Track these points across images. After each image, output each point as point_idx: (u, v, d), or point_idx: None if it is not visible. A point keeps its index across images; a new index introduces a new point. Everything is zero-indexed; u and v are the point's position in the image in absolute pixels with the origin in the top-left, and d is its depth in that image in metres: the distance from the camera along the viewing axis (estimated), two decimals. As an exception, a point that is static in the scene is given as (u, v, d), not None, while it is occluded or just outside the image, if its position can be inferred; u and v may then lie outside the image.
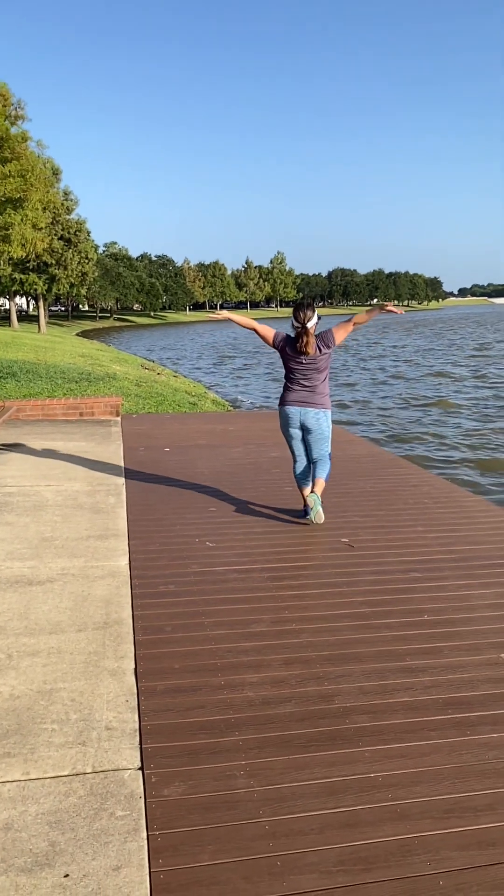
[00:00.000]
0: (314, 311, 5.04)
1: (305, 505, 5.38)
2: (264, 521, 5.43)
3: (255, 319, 5.47)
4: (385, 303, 5.23)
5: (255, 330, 5.31)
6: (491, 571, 4.41)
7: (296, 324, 5.06)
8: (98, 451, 7.97)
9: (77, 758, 2.53)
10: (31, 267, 42.44)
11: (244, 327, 5.37)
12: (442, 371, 30.14)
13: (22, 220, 25.98)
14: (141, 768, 2.48)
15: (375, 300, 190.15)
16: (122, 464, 7.36)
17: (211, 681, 3.07)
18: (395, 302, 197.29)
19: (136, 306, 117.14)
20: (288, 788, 2.38)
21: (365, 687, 3.04)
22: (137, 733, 2.68)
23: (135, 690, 2.99)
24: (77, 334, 59.34)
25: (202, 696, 2.95)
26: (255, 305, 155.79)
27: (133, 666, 3.19)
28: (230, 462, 7.56)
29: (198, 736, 2.67)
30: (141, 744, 2.61)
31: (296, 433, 5.25)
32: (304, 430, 5.21)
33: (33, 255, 36.77)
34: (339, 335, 5.08)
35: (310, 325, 5.00)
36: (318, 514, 5.16)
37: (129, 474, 6.91)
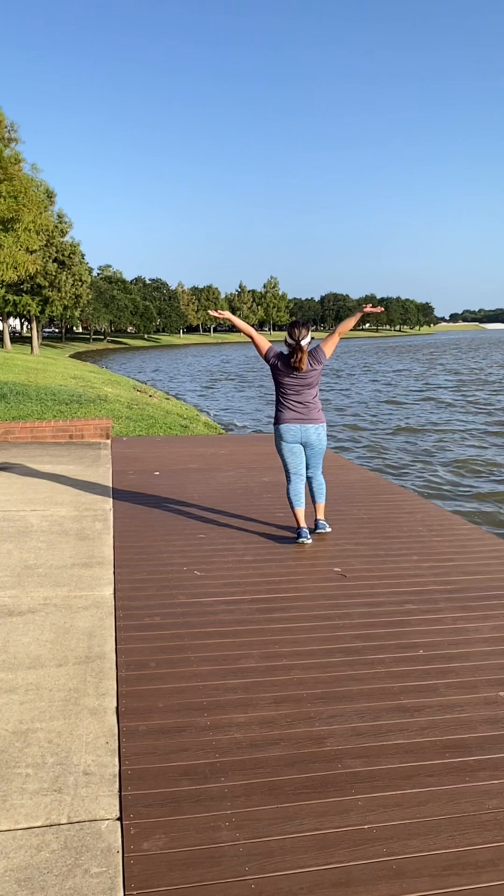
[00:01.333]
0: (308, 330, 5.21)
1: (299, 526, 5.38)
2: (255, 548, 5.30)
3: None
4: (364, 305, 5.42)
5: (251, 337, 5.46)
6: (487, 604, 4.29)
7: (290, 341, 5.18)
8: (86, 475, 7.83)
9: (52, 806, 2.37)
10: (24, 289, 42.50)
11: (243, 331, 5.52)
12: (434, 396, 30.20)
13: (14, 241, 26.02)
14: (120, 818, 2.32)
15: (367, 325, 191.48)
16: (110, 488, 7.23)
17: (196, 721, 2.92)
18: (388, 326, 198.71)
19: (129, 329, 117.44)
20: (276, 842, 2.23)
21: (358, 728, 2.89)
22: (117, 779, 2.53)
23: (116, 731, 2.84)
24: (70, 356, 59.33)
25: (187, 737, 2.80)
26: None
27: (115, 704, 3.04)
28: (221, 487, 7.43)
29: (181, 782, 2.52)
30: (120, 791, 2.46)
31: (297, 448, 5.34)
32: (305, 445, 5.32)
33: (26, 277, 36.83)
34: (329, 349, 5.28)
35: (304, 342, 5.14)
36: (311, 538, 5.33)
37: (118, 499, 6.77)
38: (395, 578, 4.70)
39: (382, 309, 5.38)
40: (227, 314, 5.51)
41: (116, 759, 2.64)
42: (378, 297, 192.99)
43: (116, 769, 2.58)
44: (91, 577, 4.59)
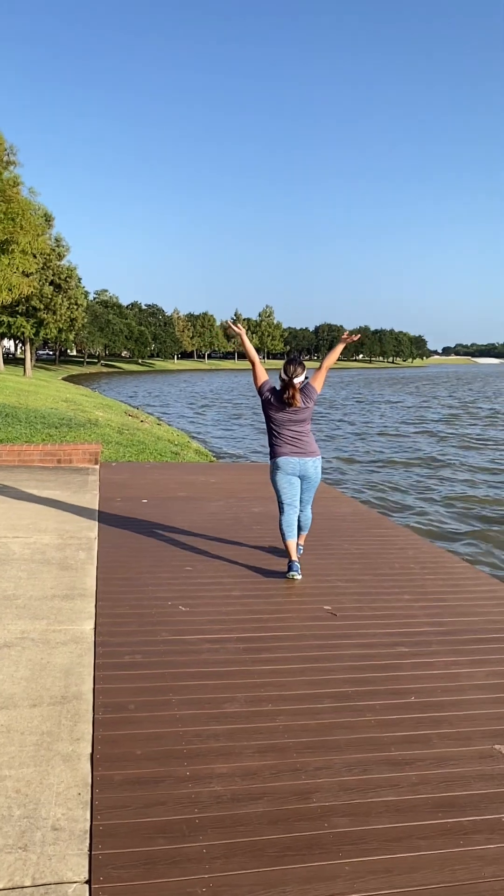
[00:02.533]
0: (304, 369, 5.19)
1: (290, 560, 5.27)
2: (243, 583, 5.14)
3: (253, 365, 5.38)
4: (343, 335, 5.46)
5: (253, 364, 5.43)
6: (480, 647, 4.15)
7: (283, 377, 5.19)
8: (73, 501, 7.67)
9: (16, 866, 2.20)
10: (19, 311, 42.55)
11: (248, 354, 5.42)
12: (428, 429, 30.23)
13: (9, 264, 26.05)
14: (88, 881, 2.15)
15: (360, 356, 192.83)
16: (96, 515, 7.07)
17: (175, 770, 2.76)
18: (381, 358, 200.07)
19: (124, 353, 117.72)
20: (256, 912, 2.07)
21: (346, 783, 2.73)
22: (88, 836, 2.36)
23: (89, 781, 2.67)
24: (63, 379, 59.26)
25: (165, 789, 2.64)
26: (242, 356, 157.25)
27: (90, 750, 2.87)
28: (209, 517, 7.28)
29: (156, 840, 2.35)
30: (91, 849, 2.29)
31: (295, 480, 5.30)
32: (302, 478, 5.31)
33: (21, 299, 36.86)
34: (318, 384, 5.35)
35: (296, 381, 5.15)
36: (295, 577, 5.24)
37: (103, 527, 6.61)
38: (386, 618, 4.55)
39: (359, 336, 5.45)
40: (242, 331, 5.52)
41: (88, 813, 2.47)
42: (371, 328, 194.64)
43: (87, 824, 2.41)
44: (71, 610, 4.42)
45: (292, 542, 5.29)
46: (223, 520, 7.17)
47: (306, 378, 5.23)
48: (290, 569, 5.24)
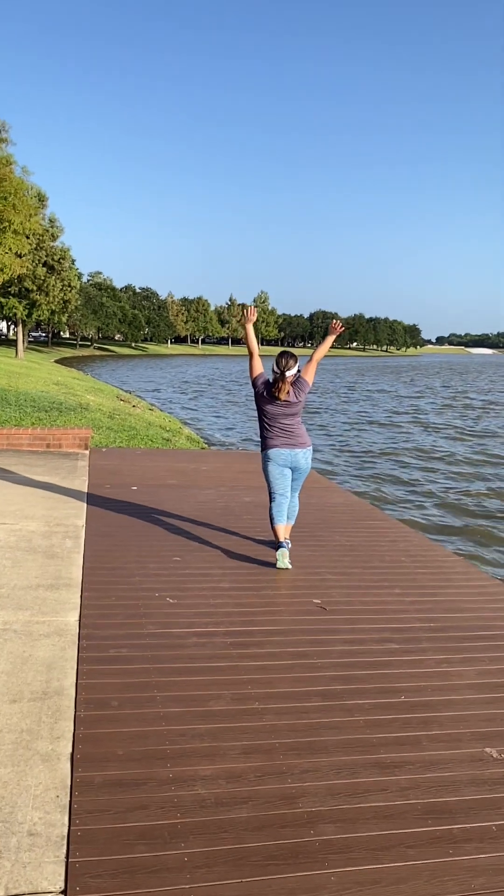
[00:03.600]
0: (296, 362, 5.20)
1: (278, 540, 5.32)
2: (232, 574, 5.06)
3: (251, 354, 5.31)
4: (332, 325, 5.43)
5: (252, 354, 5.34)
6: (471, 645, 4.08)
7: (276, 370, 5.18)
8: (61, 487, 7.56)
9: (-11, 873, 2.11)
10: (11, 292, 42.07)
11: (249, 343, 5.35)
12: (424, 420, 30.18)
13: (1, 243, 25.67)
14: (64, 891, 2.07)
15: (355, 344, 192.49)
16: (84, 502, 6.96)
17: (158, 772, 2.67)
18: (375, 347, 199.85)
19: (117, 336, 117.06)
20: (238, 925, 1.99)
21: (333, 787, 2.66)
22: (65, 842, 2.27)
23: (68, 783, 2.58)
24: (55, 361, 58.85)
25: (146, 791, 2.56)
26: (236, 342, 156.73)
27: (70, 750, 2.78)
28: (200, 506, 7.19)
29: (137, 847, 2.27)
30: (68, 856, 2.20)
31: (286, 472, 5.32)
32: (293, 469, 5.32)
33: (15, 279, 36.43)
34: (310, 377, 5.29)
35: (288, 374, 5.14)
36: (283, 564, 5.23)
37: (91, 515, 6.50)
38: (376, 613, 4.48)
39: (343, 328, 5.50)
40: (253, 319, 5.35)
41: (66, 817, 2.39)
42: (366, 316, 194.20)
43: (65, 829, 2.33)
44: (56, 601, 4.33)
45: (281, 527, 5.32)
46: (213, 509, 7.08)
47: (298, 370, 5.22)
48: (278, 547, 5.27)
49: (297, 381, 5.20)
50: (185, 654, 3.70)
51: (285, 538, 5.42)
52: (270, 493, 5.35)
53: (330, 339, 5.39)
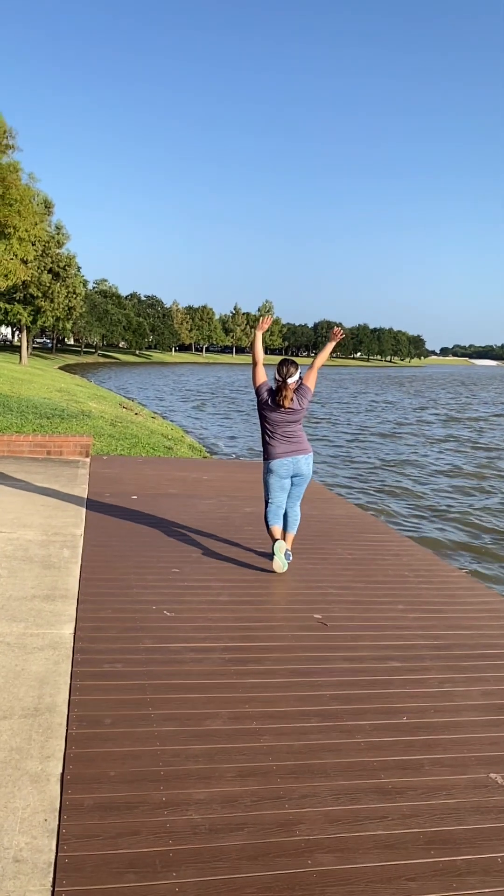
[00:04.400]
0: (297, 368, 5.23)
1: (274, 539, 5.38)
2: (231, 587, 4.97)
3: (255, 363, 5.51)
4: (333, 332, 5.51)
5: (256, 363, 5.38)
6: (476, 664, 3.98)
7: (277, 377, 5.20)
8: (60, 495, 7.48)
9: (-29, 903, 2.02)
10: (17, 298, 42.18)
11: (255, 352, 5.38)
12: (429, 433, 30.09)
13: (6, 250, 25.68)
14: (49, 923, 1.98)
15: (358, 353, 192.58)
16: (84, 511, 6.88)
17: (151, 795, 2.58)
18: (379, 357, 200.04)
19: (121, 343, 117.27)
20: None
21: (332, 813, 2.56)
22: (52, 869, 2.18)
23: (57, 805, 2.49)
24: (59, 368, 58.92)
25: (138, 816, 2.46)
26: (240, 351, 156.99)
27: (60, 770, 2.69)
28: (200, 516, 7.10)
29: (126, 876, 2.17)
30: (54, 885, 2.11)
31: (286, 484, 5.34)
32: (294, 475, 5.32)
33: (20, 285, 36.50)
34: (312, 383, 5.34)
35: (290, 381, 5.16)
36: (279, 565, 5.28)
37: (90, 524, 6.42)
38: (378, 630, 4.38)
39: (343, 334, 5.57)
40: (265, 327, 5.40)
41: (54, 843, 2.30)
42: (371, 326, 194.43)
43: (52, 856, 2.24)
44: (51, 613, 4.24)
45: (277, 528, 5.38)
46: (214, 519, 6.99)
47: (300, 377, 5.25)
48: (275, 542, 5.30)
49: (300, 388, 5.22)
50: (182, 671, 3.61)
51: (287, 549, 5.44)
52: (266, 500, 5.43)
53: (330, 346, 5.48)
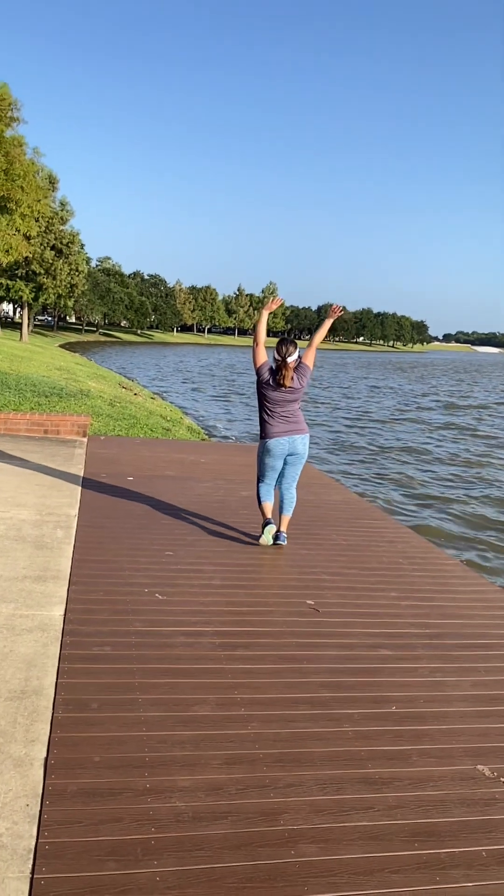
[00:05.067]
0: (296, 347, 5.28)
1: (265, 518, 5.50)
2: (224, 571, 4.94)
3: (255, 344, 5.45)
4: (332, 309, 5.55)
5: (257, 343, 5.39)
6: (467, 654, 3.96)
7: (277, 357, 5.25)
8: (56, 475, 7.44)
9: None
10: (19, 274, 41.88)
11: (258, 333, 5.41)
12: (428, 419, 30.02)
13: (8, 224, 25.40)
14: (27, 910, 1.96)
15: (361, 338, 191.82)
16: (79, 491, 6.84)
17: (135, 782, 2.56)
18: (381, 342, 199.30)
19: (123, 322, 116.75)
20: None
21: (317, 803, 2.54)
22: (32, 855, 2.16)
23: (40, 790, 2.47)
24: (60, 346, 58.67)
25: (121, 803, 2.44)
26: (243, 332, 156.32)
27: (44, 754, 2.67)
28: (196, 498, 7.07)
29: (107, 864, 2.15)
30: (33, 872, 2.09)
31: (279, 465, 5.43)
32: (290, 454, 5.38)
33: (23, 262, 36.22)
34: (311, 361, 5.41)
35: (290, 359, 5.22)
36: (265, 539, 5.41)
37: (85, 504, 6.38)
38: (370, 617, 4.36)
39: (342, 309, 5.60)
40: (274, 308, 5.45)
41: (35, 828, 2.28)
42: (374, 311, 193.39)
43: (33, 841, 2.22)
44: (42, 594, 4.21)
45: (268, 505, 5.51)
46: (210, 502, 6.96)
47: (299, 356, 5.30)
48: (266, 524, 5.44)
49: (299, 366, 5.29)
50: (171, 655, 3.58)
51: (283, 531, 5.50)
52: (259, 476, 5.56)
53: (328, 323, 5.54)
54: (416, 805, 2.59)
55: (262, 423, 5.37)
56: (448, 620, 4.43)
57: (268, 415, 5.31)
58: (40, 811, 2.36)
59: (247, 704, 3.17)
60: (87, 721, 2.91)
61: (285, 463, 5.42)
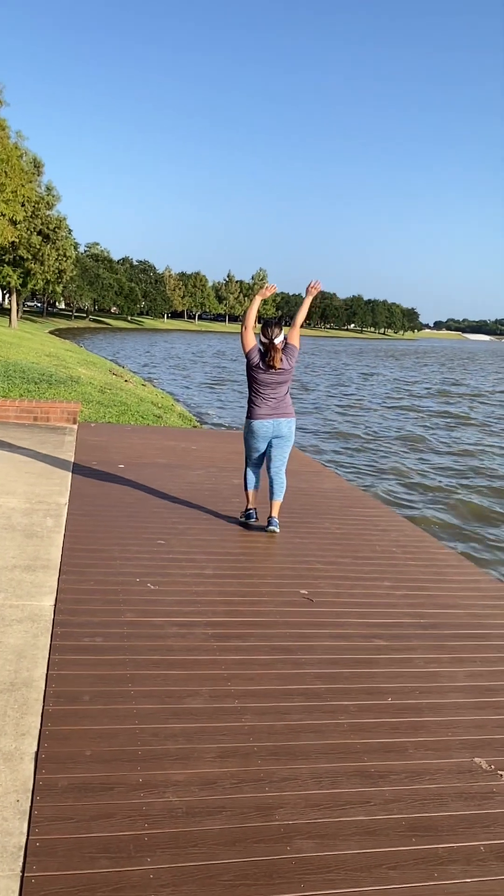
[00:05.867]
0: (281, 329, 5.38)
1: (248, 508, 5.75)
2: (216, 560, 4.89)
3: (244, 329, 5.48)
4: (310, 288, 5.45)
5: (246, 328, 5.46)
6: (462, 644, 3.93)
7: (264, 340, 5.33)
8: (46, 463, 7.35)
9: None
10: (6, 260, 41.39)
11: (248, 317, 5.45)
12: (420, 406, 30.02)
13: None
14: (17, 910, 1.91)
15: (352, 325, 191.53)
16: (69, 479, 6.76)
17: (127, 776, 2.51)
18: (372, 329, 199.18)
19: (113, 309, 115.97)
20: None
21: (313, 797, 2.50)
22: (22, 853, 2.11)
23: (30, 785, 2.41)
24: (50, 332, 58.22)
25: (113, 797, 2.39)
26: (233, 319, 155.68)
27: (35, 748, 2.62)
28: (188, 486, 7.00)
29: (99, 861, 2.10)
30: (24, 870, 2.04)
31: (263, 446, 5.52)
32: (275, 437, 5.46)
33: (8, 247, 35.76)
34: (296, 341, 5.46)
35: (277, 341, 5.31)
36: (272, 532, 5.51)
37: (75, 493, 6.31)
38: (364, 607, 4.32)
39: (320, 284, 5.49)
40: (267, 294, 5.49)
41: (25, 825, 2.22)
42: (364, 298, 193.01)
43: (23, 839, 2.17)
44: (32, 584, 4.14)
45: (253, 493, 5.74)
46: (201, 490, 6.90)
47: (284, 337, 5.38)
48: (248, 517, 5.72)
49: (286, 347, 5.38)
50: (164, 646, 3.53)
51: (274, 517, 5.55)
52: (247, 459, 5.68)
53: (308, 300, 5.48)
54: (412, 799, 2.55)
55: (250, 403, 5.50)
56: (443, 610, 4.40)
57: (255, 395, 5.43)
58: (31, 807, 2.30)
59: (240, 696, 3.13)
60: (78, 714, 2.86)
61: (271, 445, 5.49)
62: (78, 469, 7.25)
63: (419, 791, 2.60)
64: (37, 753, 2.59)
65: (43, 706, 2.89)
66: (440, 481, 13.97)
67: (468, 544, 9.93)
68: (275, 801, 2.47)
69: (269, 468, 5.60)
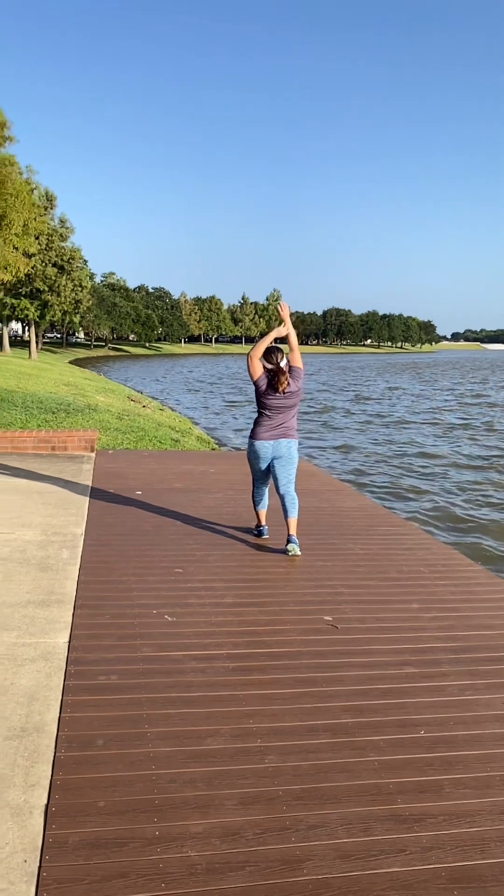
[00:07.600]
0: (282, 353, 5.54)
1: (259, 524, 5.95)
2: (236, 588, 4.72)
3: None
4: (280, 310, 5.57)
5: (253, 357, 5.49)
6: (498, 668, 3.71)
7: (269, 366, 5.47)
8: (63, 493, 7.26)
9: None
10: (23, 293, 41.99)
11: (258, 347, 5.51)
12: (441, 420, 29.70)
13: (4, 241, 25.35)
14: None
15: (369, 340, 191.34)
16: (86, 509, 6.65)
17: (143, 829, 2.34)
18: (389, 343, 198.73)
19: (131, 336, 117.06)
20: None
21: (343, 847, 2.31)
22: (29, 921, 1.95)
23: (39, 843, 2.26)
24: (70, 362, 58.82)
25: (128, 854, 2.22)
26: (249, 340, 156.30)
27: (45, 801, 2.46)
28: (206, 511, 6.86)
29: (112, 929, 1.94)
30: (30, 942, 1.88)
31: (265, 465, 5.62)
32: (275, 457, 5.55)
33: (26, 280, 36.27)
34: (298, 363, 5.53)
35: (283, 364, 5.46)
36: (294, 552, 5.48)
37: (92, 522, 6.19)
38: (392, 632, 4.12)
39: (287, 307, 5.56)
40: (282, 334, 5.55)
41: (33, 889, 2.06)
42: (380, 313, 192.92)
43: (31, 905, 2.00)
44: (46, 620, 4.01)
45: (262, 512, 5.92)
46: (220, 514, 6.75)
47: (287, 361, 5.51)
48: (260, 533, 5.96)
49: (291, 370, 5.49)
50: (182, 682, 3.37)
51: (292, 534, 5.54)
52: (253, 480, 5.83)
53: (288, 321, 5.51)
54: (452, 845, 2.35)
55: (254, 424, 5.63)
56: (475, 632, 4.19)
57: (262, 417, 5.55)
58: (39, 868, 2.14)
59: (263, 735, 2.95)
60: (91, 760, 2.70)
61: (273, 466, 5.55)
62: (95, 497, 7.14)
63: (459, 836, 2.40)
64: (47, 806, 2.43)
65: (55, 753, 2.74)
66: (467, 499, 13.68)
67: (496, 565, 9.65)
68: (303, 852, 2.28)
69: (277, 488, 5.62)
